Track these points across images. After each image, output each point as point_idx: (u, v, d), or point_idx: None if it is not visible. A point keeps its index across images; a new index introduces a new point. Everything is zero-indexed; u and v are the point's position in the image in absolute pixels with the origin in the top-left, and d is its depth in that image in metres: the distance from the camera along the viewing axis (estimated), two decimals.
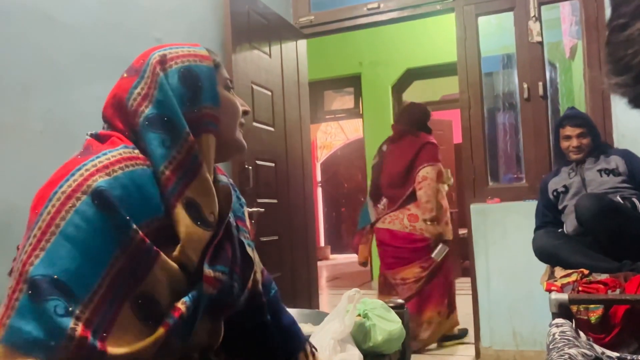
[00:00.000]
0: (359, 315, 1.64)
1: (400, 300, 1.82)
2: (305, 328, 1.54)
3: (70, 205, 0.77)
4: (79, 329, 0.72)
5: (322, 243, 9.60)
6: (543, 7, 3.26)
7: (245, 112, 1.01)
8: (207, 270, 0.87)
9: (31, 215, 0.80)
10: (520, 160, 4.87)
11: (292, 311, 1.33)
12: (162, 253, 0.82)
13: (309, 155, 3.76)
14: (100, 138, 0.90)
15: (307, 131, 3.71)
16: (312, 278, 3.64)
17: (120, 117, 0.91)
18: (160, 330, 0.80)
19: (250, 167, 2.83)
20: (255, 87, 2.99)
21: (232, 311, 0.96)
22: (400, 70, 5.92)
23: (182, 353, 0.87)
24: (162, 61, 0.91)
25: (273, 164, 3.15)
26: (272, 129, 3.17)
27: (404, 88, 6.14)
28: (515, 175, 5.25)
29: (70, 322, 0.72)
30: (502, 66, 5.72)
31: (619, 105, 2.98)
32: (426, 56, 5.74)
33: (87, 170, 0.80)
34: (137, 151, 0.87)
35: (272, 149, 3.16)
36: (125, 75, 0.93)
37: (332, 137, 10.00)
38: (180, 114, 0.88)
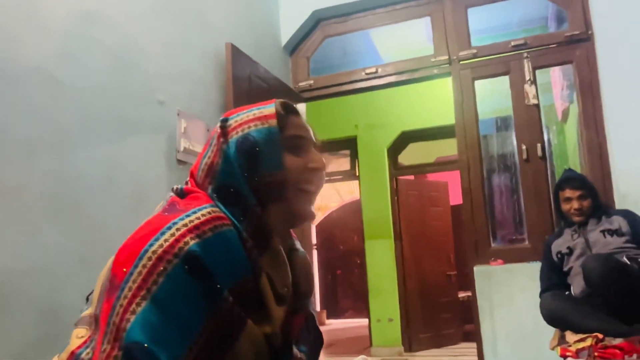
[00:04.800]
0: None
1: None
2: None
3: (162, 268, 0.74)
4: None
5: (317, 307, 9.41)
6: (537, 71, 3.35)
7: (315, 170, 0.91)
8: (295, 351, 0.84)
9: (117, 270, 0.77)
10: (520, 221, 4.87)
11: None
12: (250, 321, 0.78)
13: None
14: (182, 194, 0.88)
15: (315, 210, 3.69)
16: None
17: (194, 184, 0.90)
18: None
19: None
20: None
21: None
22: (396, 132, 6.00)
23: None
24: (224, 131, 0.88)
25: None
26: None
27: (400, 150, 6.21)
28: (514, 237, 5.23)
29: None
30: (496, 129, 5.83)
31: (618, 166, 3.00)
32: (421, 119, 5.84)
33: (177, 230, 0.77)
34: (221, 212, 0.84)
35: None
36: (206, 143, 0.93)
37: (327, 199, 10.01)
38: (245, 184, 0.84)
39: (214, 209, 0.82)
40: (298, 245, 0.95)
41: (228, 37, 3.03)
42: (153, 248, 0.75)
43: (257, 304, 0.81)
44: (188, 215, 0.79)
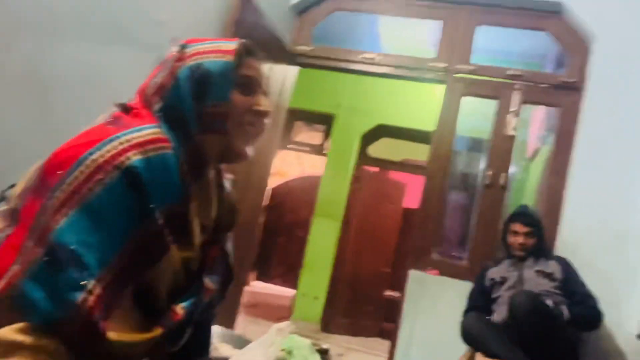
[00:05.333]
0: (283, 350, 1.61)
1: (325, 346, 1.80)
2: (225, 350, 1.50)
3: (101, 177, 0.75)
4: (87, 305, 0.70)
5: (249, 267, 9.45)
6: (523, 105, 3.43)
7: (257, 113, 0.94)
8: (206, 280, 0.87)
9: (50, 171, 0.77)
10: (464, 240, 5.02)
11: (218, 328, 1.29)
12: (173, 247, 0.80)
13: (266, 180, 3.73)
14: (127, 109, 0.88)
15: (272, 156, 3.70)
16: (237, 300, 3.56)
17: (142, 102, 0.91)
18: (158, 330, 0.78)
19: None
20: None
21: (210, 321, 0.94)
22: (373, 122, 6.04)
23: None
24: (184, 55, 0.90)
25: (232, 177, 3.10)
26: None
27: (372, 141, 6.26)
28: (453, 253, 5.39)
29: (79, 297, 0.70)
30: (468, 147, 5.96)
31: (568, 215, 3.13)
32: (399, 117, 5.89)
33: (121, 143, 0.78)
34: (164, 134, 0.85)
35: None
36: (158, 65, 0.93)
37: (288, 166, 9.99)
38: (190, 110, 0.86)
39: (158, 129, 0.84)
40: (227, 184, 0.98)
41: None
42: (93, 156, 0.76)
43: (183, 229, 0.84)
44: (133, 132, 0.81)
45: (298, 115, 6.31)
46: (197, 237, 0.86)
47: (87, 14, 1.98)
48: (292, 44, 3.78)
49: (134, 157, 0.78)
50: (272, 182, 9.75)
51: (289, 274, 8.97)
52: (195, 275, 0.87)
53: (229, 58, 0.90)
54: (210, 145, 0.89)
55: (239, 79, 0.91)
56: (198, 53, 0.90)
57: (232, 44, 0.92)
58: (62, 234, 0.72)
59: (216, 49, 0.91)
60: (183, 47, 0.91)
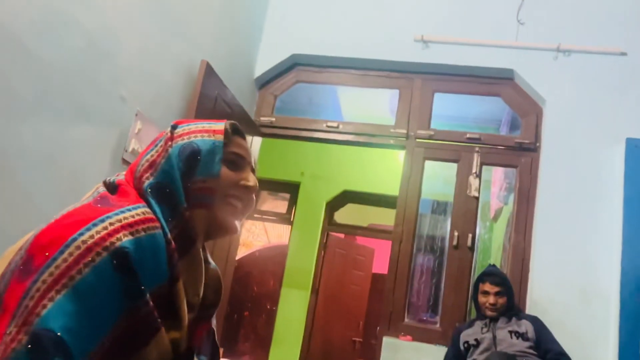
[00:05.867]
0: None
1: None
2: None
3: (90, 259, 0.72)
4: None
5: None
6: (483, 167, 3.53)
7: (245, 188, 0.96)
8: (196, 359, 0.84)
9: (36, 252, 0.74)
10: (435, 303, 4.99)
11: None
12: (162, 329, 0.78)
13: (235, 252, 3.68)
14: (114, 187, 0.88)
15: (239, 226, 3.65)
16: None
17: (131, 180, 0.91)
18: None
19: None
20: None
21: None
22: (338, 189, 6.10)
23: None
24: (176, 134, 0.93)
25: None
26: None
27: (338, 207, 6.29)
28: (425, 318, 5.34)
29: None
30: (432, 210, 6.04)
31: (536, 274, 3.17)
32: (364, 182, 5.97)
33: (111, 224, 0.77)
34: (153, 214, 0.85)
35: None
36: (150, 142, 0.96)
37: (254, 236, 9.89)
38: (180, 186, 0.88)
39: (147, 209, 0.83)
40: (210, 258, 0.99)
41: (205, 54, 3.03)
42: (83, 237, 0.74)
43: (170, 309, 0.82)
44: (123, 212, 0.80)
45: (263, 185, 6.33)
46: (186, 317, 0.84)
47: (47, 92, 1.97)
48: (256, 115, 3.85)
49: (125, 238, 0.76)
50: (238, 254, 9.59)
51: (258, 350, 8.66)
52: (183, 357, 0.83)
53: (219, 137, 0.94)
54: (199, 219, 0.90)
55: (227, 155, 0.94)
56: (190, 132, 0.93)
57: (220, 125, 0.96)
58: (48, 320, 0.69)
59: (206, 129, 0.95)
60: (174, 127, 0.95)
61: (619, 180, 3.12)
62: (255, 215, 7.01)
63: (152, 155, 0.91)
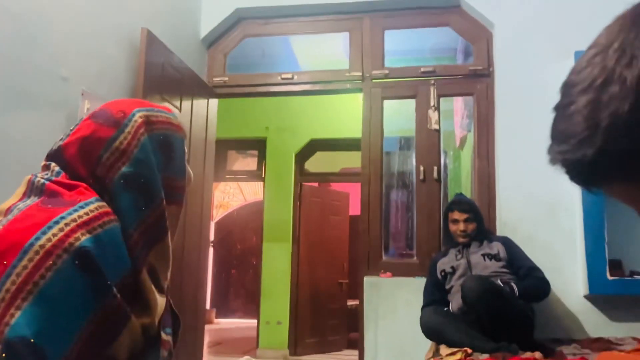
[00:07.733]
0: None
1: None
2: None
3: (51, 263, 0.72)
4: None
5: (207, 306, 9.26)
6: (442, 99, 3.56)
7: (190, 183, 1.02)
8: (163, 335, 0.88)
9: None
10: (411, 237, 5.12)
11: None
12: (133, 317, 0.80)
13: (208, 215, 3.69)
14: (65, 186, 0.85)
15: (209, 190, 3.66)
16: (199, 344, 3.47)
17: (85, 165, 0.87)
18: None
19: None
20: None
21: None
22: (305, 139, 6.09)
23: None
24: (147, 122, 0.91)
25: None
26: None
27: (307, 157, 6.30)
28: (405, 252, 5.49)
29: None
30: (399, 147, 6.10)
31: (502, 196, 3.26)
32: (330, 129, 5.97)
33: (67, 224, 0.76)
34: (107, 206, 0.85)
35: None
36: (100, 122, 0.89)
37: (230, 197, 9.90)
38: (158, 177, 0.90)
39: (101, 203, 0.83)
40: None
41: (144, 22, 2.93)
42: (40, 242, 0.73)
43: (137, 297, 0.84)
44: (76, 210, 0.79)
45: (229, 145, 6.29)
46: (156, 301, 0.86)
47: None
48: (208, 76, 3.78)
49: (83, 237, 0.76)
50: (216, 216, 9.62)
51: (249, 305, 8.84)
52: (152, 339, 0.86)
53: (184, 135, 0.98)
54: (172, 213, 0.93)
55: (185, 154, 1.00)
56: (162, 123, 0.94)
57: (175, 118, 0.98)
58: (19, 328, 0.69)
59: (172, 123, 0.96)
60: (143, 111, 0.92)
61: None
62: (227, 176, 7.00)
63: (121, 143, 0.87)
